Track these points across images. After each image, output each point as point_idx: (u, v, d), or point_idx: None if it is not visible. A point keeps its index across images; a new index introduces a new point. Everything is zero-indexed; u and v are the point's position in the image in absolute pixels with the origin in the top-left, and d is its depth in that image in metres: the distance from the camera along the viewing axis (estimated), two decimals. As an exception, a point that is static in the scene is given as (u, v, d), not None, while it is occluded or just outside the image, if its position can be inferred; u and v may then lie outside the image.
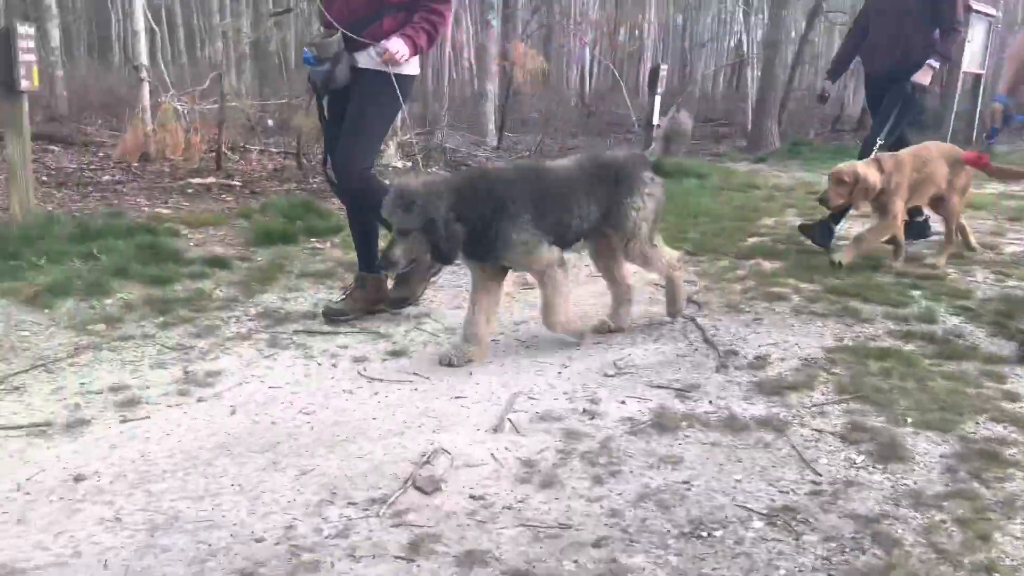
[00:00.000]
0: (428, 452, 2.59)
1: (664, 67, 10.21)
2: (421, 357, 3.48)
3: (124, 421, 2.81)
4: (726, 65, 23.05)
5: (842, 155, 8.95)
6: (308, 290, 4.41)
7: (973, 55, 11.56)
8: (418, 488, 2.38)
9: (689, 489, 2.37)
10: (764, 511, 2.24)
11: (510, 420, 2.84)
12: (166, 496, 2.31)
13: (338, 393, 3.09)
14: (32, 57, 4.95)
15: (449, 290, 4.48)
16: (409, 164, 8.70)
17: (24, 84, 4.86)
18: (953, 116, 11.92)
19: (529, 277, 4.05)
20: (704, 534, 2.11)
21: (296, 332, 3.74)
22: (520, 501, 2.31)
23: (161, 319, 3.82)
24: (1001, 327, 3.82)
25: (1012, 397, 3.04)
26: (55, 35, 11.68)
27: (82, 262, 4.47)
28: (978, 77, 12.33)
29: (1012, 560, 2.05)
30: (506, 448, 2.64)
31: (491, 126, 10.99)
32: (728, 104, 19.40)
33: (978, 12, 11.15)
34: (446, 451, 2.61)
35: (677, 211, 6.35)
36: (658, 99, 9.55)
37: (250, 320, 3.89)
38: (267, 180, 7.68)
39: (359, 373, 3.29)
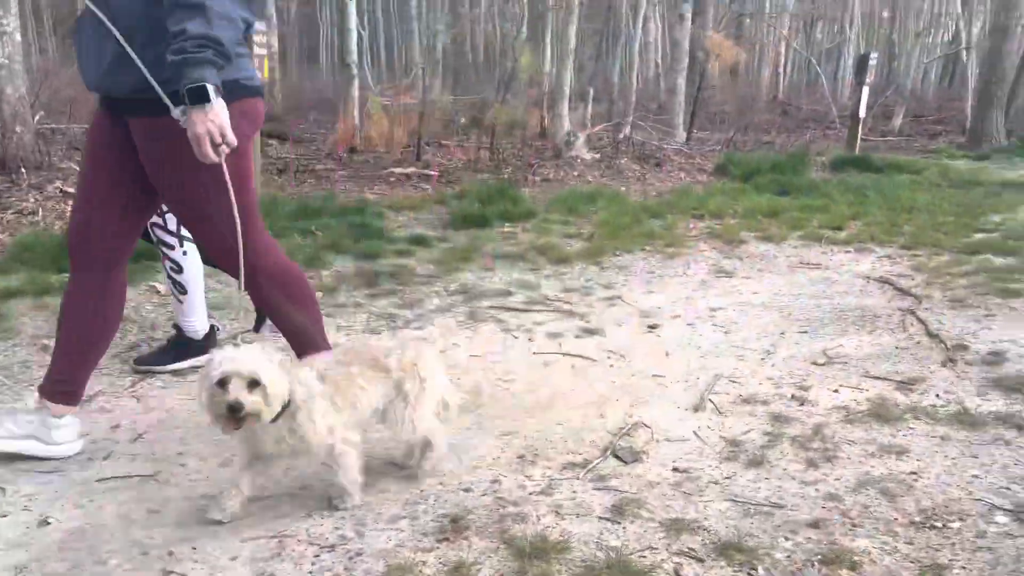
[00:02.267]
0: (627, 424, 2.56)
1: (874, 55, 9.52)
2: (615, 335, 3.45)
3: (340, 376, 2.99)
4: (939, 57, 21.19)
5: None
6: (501, 270, 4.51)
7: None
8: (618, 457, 2.36)
9: (917, 480, 2.17)
10: (1010, 507, 2.01)
11: (711, 400, 2.75)
12: (379, 445, 2.43)
13: (536, 365, 3.12)
14: (263, 51, 5.42)
15: (640, 276, 4.43)
16: (597, 157, 8.72)
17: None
18: None
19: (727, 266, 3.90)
20: (938, 524, 1.92)
21: (491, 307, 3.83)
22: (727, 477, 2.22)
23: (369, 290, 4.05)
24: None
25: None
26: (274, 42, 12.77)
27: (302, 237, 4.84)
28: None
29: None
30: (708, 427, 2.56)
31: (679, 120, 10.76)
32: (941, 100, 17.81)
33: None
34: (646, 425, 2.57)
35: (888, 205, 5.92)
36: (866, 89, 8.94)
37: (449, 295, 4.03)
38: (462, 170, 7.95)
39: (555, 347, 3.32)
